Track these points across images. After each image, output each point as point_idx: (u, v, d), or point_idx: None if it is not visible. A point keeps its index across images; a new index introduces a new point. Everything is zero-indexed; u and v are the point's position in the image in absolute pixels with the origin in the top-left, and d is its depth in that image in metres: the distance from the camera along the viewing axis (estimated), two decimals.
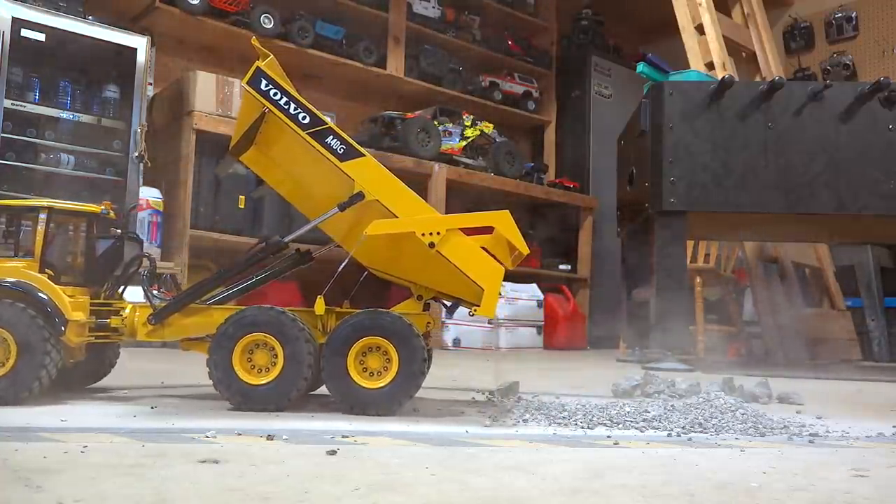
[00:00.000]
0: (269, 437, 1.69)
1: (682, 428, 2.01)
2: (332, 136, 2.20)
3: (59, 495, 1.14)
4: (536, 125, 8.60)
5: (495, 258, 2.22)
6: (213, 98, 5.37)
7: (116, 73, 5.14)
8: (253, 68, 2.22)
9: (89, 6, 5.37)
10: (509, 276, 7.47)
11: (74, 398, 2.32)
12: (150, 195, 5.23)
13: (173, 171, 5.38)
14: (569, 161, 8.54)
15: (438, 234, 2.12)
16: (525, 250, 2.24)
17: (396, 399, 2.12)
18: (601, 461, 1.58)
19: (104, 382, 2.67)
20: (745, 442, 1.88)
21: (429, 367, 2.50)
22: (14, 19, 4.60)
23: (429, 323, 2.28)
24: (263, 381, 2.12)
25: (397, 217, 2.18)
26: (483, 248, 2.20)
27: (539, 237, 8.12)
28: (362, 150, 2.23)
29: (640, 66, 5.03)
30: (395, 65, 7.11)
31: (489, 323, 6.77)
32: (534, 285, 7.28)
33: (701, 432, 1.98)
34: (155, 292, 2.32)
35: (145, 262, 2.40)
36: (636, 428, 2.02)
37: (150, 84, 5.54)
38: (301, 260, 2.44)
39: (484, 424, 2.03)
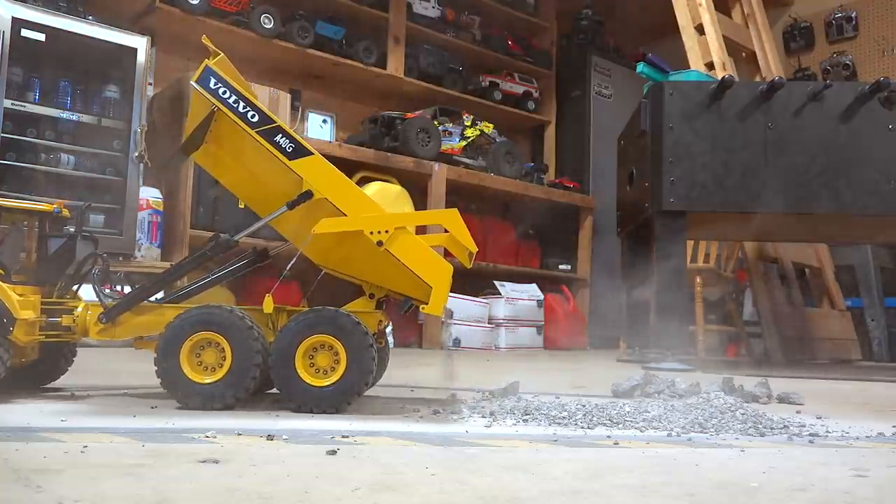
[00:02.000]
0: (269, 437, 1.69)
1: (682, 428, 2.01)
2: (280, 135, 2.20)
3: (59, 495, 1.14)
4: (536, 125, 8.60)
5: (453, 256, 2.26)
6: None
7: (116, 73, 5.15)
8: (202, 66, 2.23)
9: (89, 6, 5.38)
10: (509, 276, 7.50)
11: (67, 398, 2.33)
12: (150, 195, 5.24)
13: (173, 171, 5.37)
14: (569, 161, 8.54)
15: (387, 232, 2.14)
16: (473, 248, 2.26)
17: (344, 397, 2.12)
18: (601, 461, 1.58)
19: (108, 382, 2.67)
20: (745, 442, 1.88)
21: (385, 367, 2.51)
22: (14, 19, 4.60)
23: (380, 321, 2.29)
24: (211, 379, 2.12)
25: (346, 215, 2.19)
26: (441, 247, 2.23)
27: (539, 237, 8.12)
28: (312, 148, 2.23)
29: (640, 66, 5.03)
30: (395, 65, 7.11)
31: (488, 323, 6.78)
32: (534, 285, 7.28)
33: (701, 432, 1.98)
34: (107, 291, 2.32)
35: (98, 262, 2.39)
36: (636, 428, 2.02)
37: (150, 84, 5.55)
38: (258, 258, 2.45)
39: (484, 425, 2.03)
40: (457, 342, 6.46)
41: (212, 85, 2.21)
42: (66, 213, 2.40)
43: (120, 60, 5.08)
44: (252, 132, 2.20)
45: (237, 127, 2.21)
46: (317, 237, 2.19)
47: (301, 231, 2.30)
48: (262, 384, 2.27)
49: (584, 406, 2.27)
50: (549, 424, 2.05)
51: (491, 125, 7.32)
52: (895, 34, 7.76)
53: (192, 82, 2.23)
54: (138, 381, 2.86)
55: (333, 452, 1.54)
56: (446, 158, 6.84)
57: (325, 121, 6.87)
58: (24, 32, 4.65)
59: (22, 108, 4.71)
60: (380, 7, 7.03)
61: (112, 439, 1.64)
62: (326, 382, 2.11)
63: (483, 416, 2.15)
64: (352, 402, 2.15)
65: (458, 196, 6.94)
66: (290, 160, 2.20)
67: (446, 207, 6.63)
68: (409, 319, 6.13)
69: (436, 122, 6.86)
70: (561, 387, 3.12)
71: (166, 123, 5.36)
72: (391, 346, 2.64)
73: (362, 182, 6.05)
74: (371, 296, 2.31)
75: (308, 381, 2.11)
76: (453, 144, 6.98)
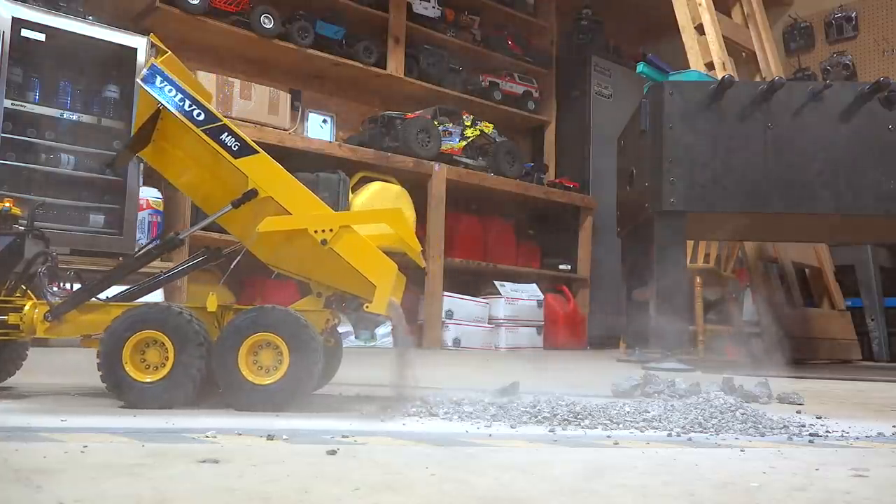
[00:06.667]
0: (270, 437, 1.69)
1: (682, 428, 2.01)
2: (226, 134, 2.21)
3: (59, 495, 1.14)
4: (536, 125, 8.60)
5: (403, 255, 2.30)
6: (213, 98, 5.37)
7: (116, 73, 5.15)
8: (147, 65, 2.26)
9: (89, 6, 5.37)
10: (509, 276, 7.49)
11: (64, 398, 2.32)
12: (150, 195, 5.24)
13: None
14: (569, 161, 8.54)
15: (331, 230, 2.14)
16: (417, 247, 2.30)
17: (288, 395, 2.11)
18: (601, 461, 1.58)
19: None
20: (745, 442, 1.88)
21: (337, 366, 2.52)
22: (14, 19, 4.60)
23: (328, 319, 2.29)
24: (154, 378, 2.11)
25: (291, 214, 2.20)
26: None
27: (539, 237, 8.12)
28: (257, 147, 2.24)
29: (640, 66, 5.03)
30: (395, 65, 7.11)
31: (488, 323, 6.78)
32: (534, 285, 7.28)
33: (701, 432, 1.98)
34: (54, 289, 2.32)
35: (48, 260, 2.38)
36: (636, 428, 2.02)
37: None
38: (211, 257, 2.46)
39: (484, 425, 2.02)
40: (457, 342, 6.46)
41: (157, 84, 2.22)
42: (15, 210, 2.39)
43: (120, 60, 5.07)
44: (198, 130, 2.20)
45: (184, 126, 2.21)
46: (264, 236, 2.20)
47: (249, 230, 2.30)
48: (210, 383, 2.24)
49: (584, 406, 2.27)
50: (549, 424, 2.04)
51: (491, 125, 7.32)
52: (895, 34, 7.75)
53: (137, 80, 2.25)
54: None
55: (333, 452, 1.54)
56: (446, 158, 6.84)
57: (325, 121, 6.87)
58: (24, 32, 4.65)
59: (22, 108, 4.71)
60: (380, 7, 7.02)
61: (112, 439, 1.64)
62: (270, 381, 2.10)
63: (483, 417, 2.15)
64: (297, 401, 2.12)
65: (458, 196, 6.94)
66: (235, 158, 2.20)
67: (446, 208, 6.63)
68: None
69: (436, 122, 6.86)
70: (561, 387, 3.12)
71: None
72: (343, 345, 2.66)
73: (362, 182, 6.04)
74: (319, 294, 2.31)
75: (251, 379, 2.10)
76: (453, 144, 6.98)
